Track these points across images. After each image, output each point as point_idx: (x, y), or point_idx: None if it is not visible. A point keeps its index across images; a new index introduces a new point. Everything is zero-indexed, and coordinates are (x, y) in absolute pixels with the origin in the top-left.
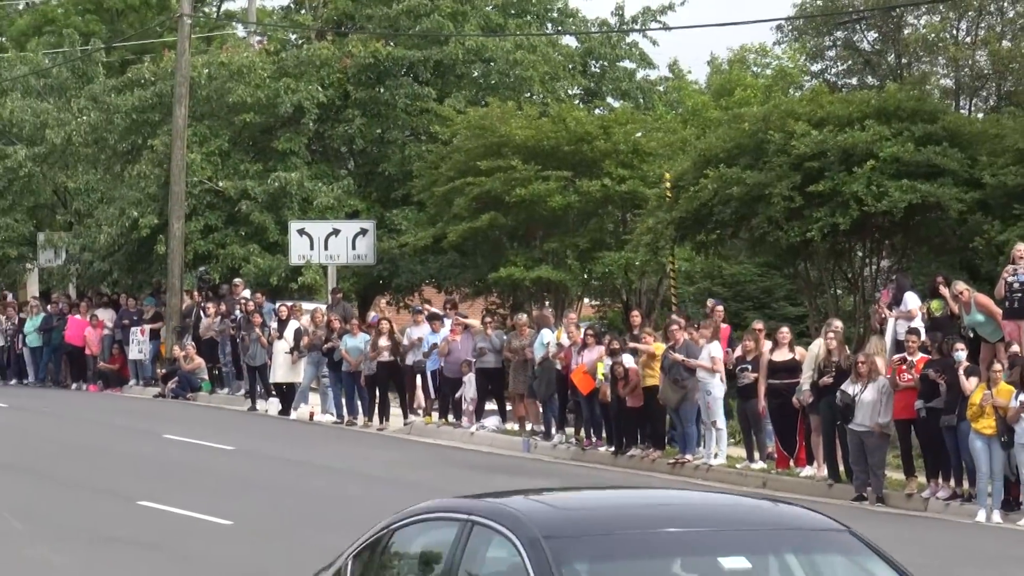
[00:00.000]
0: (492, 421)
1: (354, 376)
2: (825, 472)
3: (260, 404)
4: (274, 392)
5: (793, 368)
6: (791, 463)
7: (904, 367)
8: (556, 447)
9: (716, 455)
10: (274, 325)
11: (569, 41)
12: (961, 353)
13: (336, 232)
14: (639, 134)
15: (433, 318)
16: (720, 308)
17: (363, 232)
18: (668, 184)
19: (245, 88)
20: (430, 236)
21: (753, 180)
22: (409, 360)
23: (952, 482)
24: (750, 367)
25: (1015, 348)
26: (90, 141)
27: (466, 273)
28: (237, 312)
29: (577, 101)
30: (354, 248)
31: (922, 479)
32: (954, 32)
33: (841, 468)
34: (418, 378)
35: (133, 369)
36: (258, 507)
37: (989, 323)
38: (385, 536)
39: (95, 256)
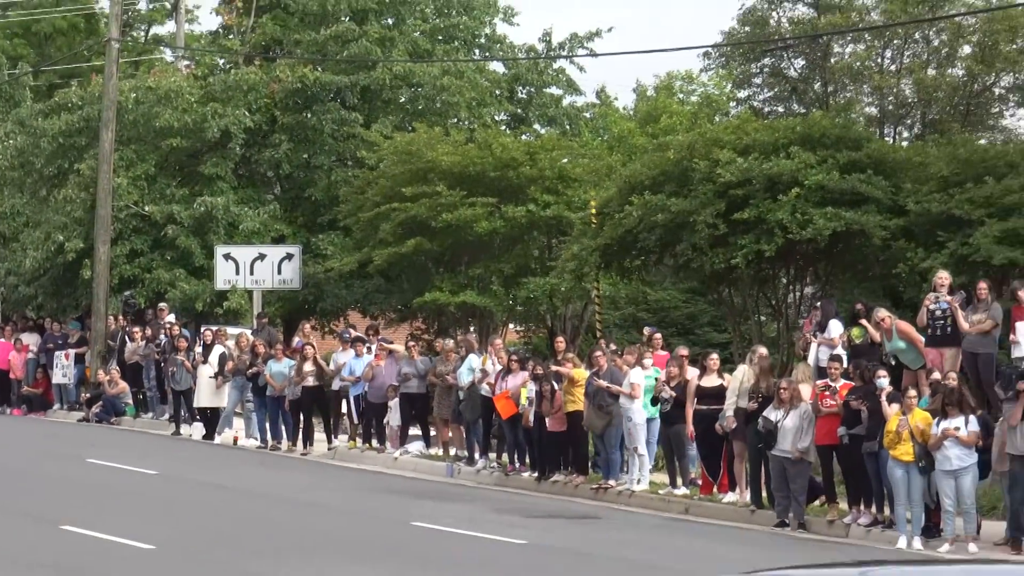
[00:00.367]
0: (416, 446)
1: (278, 401)
2: (748, 498)
3: (184, 429)
4: (198, 417)
5: (720, 394)
6: (714, 489)
7: (827, 394)
8: (480, 472)
9: (639, 481)
10: (199, 350)
11: (496, 67)
12: (883, 380)
13: (262, 257)
14: (565, 160)
15: (357, 341)
16: (658, 336)
17: (289, 257)
18: (593, 210)
19: (172, 112)
20: (356, 261)
21: (678, 207)
22: (335, 385)
23: (874, 508)
24: (673, 393)
25: (936, 375)
26: (16, 165)
27: (391, 298)
28: (162, 337)
29: (504, 127)
30: (280, 273)
31: (844, 505)
32: (879, 60)
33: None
34: (343, 403)
35: (57, 393)
36: (181, 531)
37: (911, 350)
38: None
39: (20, 280)
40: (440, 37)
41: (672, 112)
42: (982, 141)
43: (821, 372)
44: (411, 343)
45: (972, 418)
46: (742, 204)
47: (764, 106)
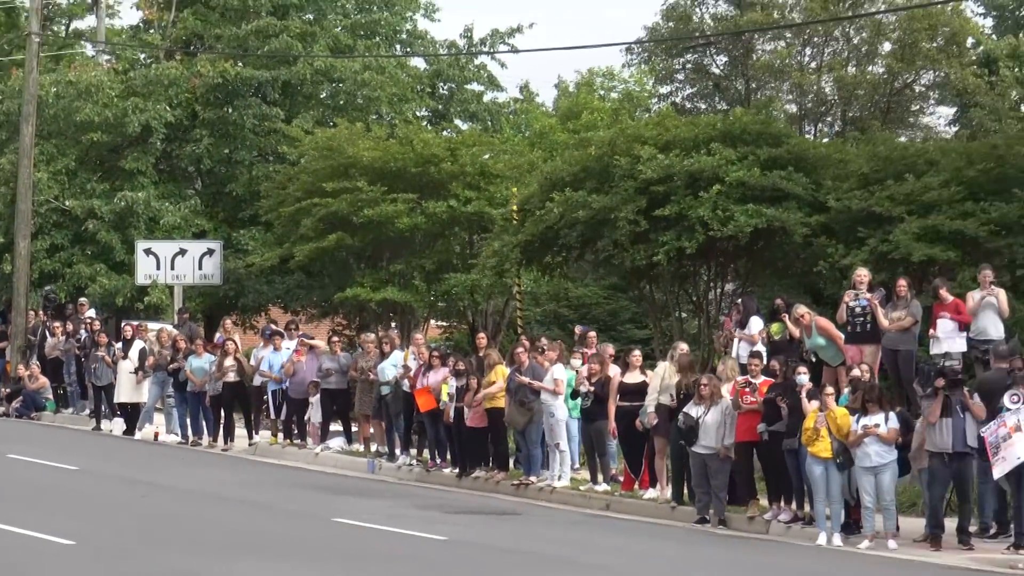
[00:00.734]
0: (337, 442)
1: (199, 396)
2: (669, 495)
3: (105, 424)
4: (119, 412)
5: (642, 391)
6: (636, 486)
7: (747, 390)
8: (401, 468)
9: (560, 477)
10: (119, 345)
11: (418, 63)
12: (803, 376)
13: (183, 252)
14: (486, 156)
15: (275, 335)
16: (592, 334)
17: (210, 252)
18: (514, 207)
19: (93, 107)
20: (277, 256)
21: (599, 204)
22: (256, 381)
23: (794, 505)
24: (592, 388)
25: (856, 372)
26: None
27: (313, 294)
28: (83, 332)
29: (425, 123)
30: (201, 268)
31: (764, 502)
32: (800, 58)
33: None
34: (265, 398)
35: None
36: (101, 527)
37: (830, 347)
38: None
39: None
40: (361, 32)
41: (593, 108)
42: (902, 138)
43: (741, 369)
44: (335, 339)
45: (892, 415)
46: (663, 201)
47: (686, 103)
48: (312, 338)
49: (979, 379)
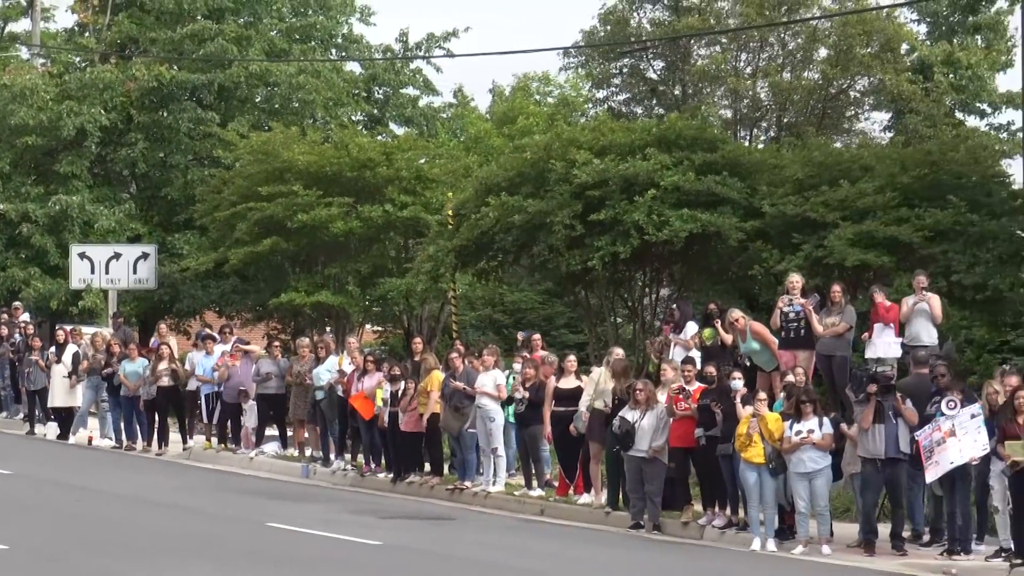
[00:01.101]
0: (272, 447)
1: (133, 401)
2: (604, 500)
3: (39, 428)
4: (52, 416)
5: (578, 396)
6: (570, 491)
7: (681, 396)
8: (335, 473)
9: (495, 482)
10: (53, 349)
11: (353, 67)
12: (738, 382)
13: (117, 256)
14: (422, 161)
15: (207, 339)
16: (537, 336)
17: (144, 256)
18: (450, 211)
19: (27, 110)
20: (212, 260)
21: (534, 208)
22: (190, 385)
23: (728, 510)
24: (526, 394)
25: (790, 378)
26: None
27: (247, 298)
28: (16, 336)
29: (360, 127)
30: (135, 272)
31: (699, 507)
32: (735, 63)
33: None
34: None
35: None
36: (35, 531)
37: (764, 352)
38: None
39: None
40: (297, 36)
41: (529, 113)
42: (837, 144)
43: None
44: (275, 343)
45: (826, 420)
46: (598, 205)
47: (623, 107)
48: (247, 343)
49: (899, 384)
